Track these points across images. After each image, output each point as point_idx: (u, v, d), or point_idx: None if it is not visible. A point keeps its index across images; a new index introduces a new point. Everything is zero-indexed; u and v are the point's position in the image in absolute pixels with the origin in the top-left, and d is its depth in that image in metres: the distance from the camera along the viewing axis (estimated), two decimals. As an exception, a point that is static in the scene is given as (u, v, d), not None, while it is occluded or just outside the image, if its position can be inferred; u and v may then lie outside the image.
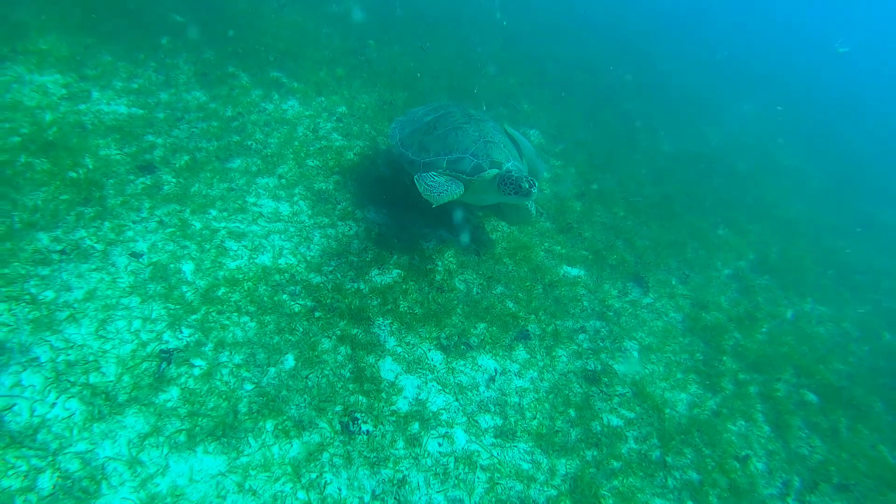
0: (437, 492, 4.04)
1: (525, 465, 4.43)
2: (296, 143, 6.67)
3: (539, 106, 10.80)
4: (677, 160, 10.30)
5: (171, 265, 4.76)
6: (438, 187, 5.33)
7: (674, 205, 8.72)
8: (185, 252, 4.94)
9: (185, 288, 4.63)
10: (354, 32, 10.21)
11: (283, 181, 6.06)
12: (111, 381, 3.83)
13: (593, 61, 14.40)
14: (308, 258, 5.35)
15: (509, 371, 5.12)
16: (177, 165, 5.71)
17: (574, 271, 6.50)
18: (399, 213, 6.23)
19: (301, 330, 4.70)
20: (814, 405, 6.13)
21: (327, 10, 10.63)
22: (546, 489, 4.31)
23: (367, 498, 3.87)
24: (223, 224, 5.34)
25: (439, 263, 5.81)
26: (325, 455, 4.00)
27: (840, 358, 6.97)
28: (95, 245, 4.70)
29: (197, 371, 4.15)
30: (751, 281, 7.71)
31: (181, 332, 4.32)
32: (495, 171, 5.56)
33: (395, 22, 11.63)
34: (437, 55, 10.90)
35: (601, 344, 5.75)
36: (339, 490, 3.85)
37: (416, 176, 5.47)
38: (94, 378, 3.81)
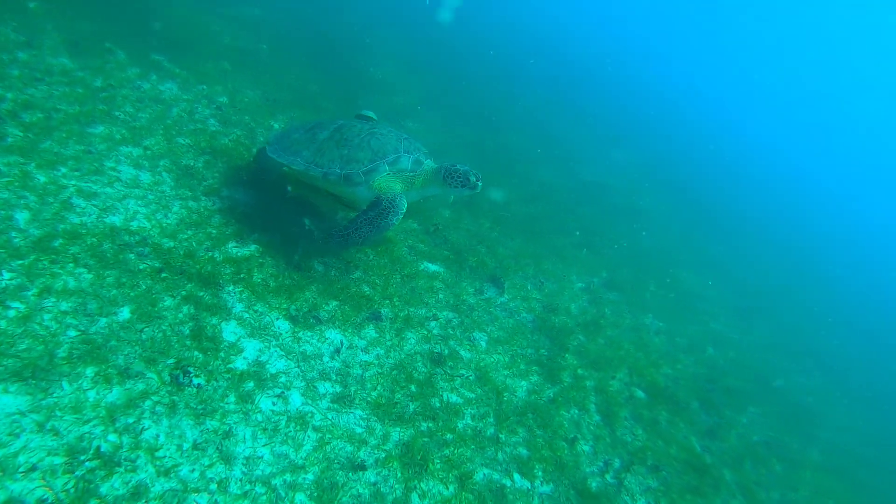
0: (264, 445, 4.01)
1: (359, 430, 4.50)
2: (168, 121, 6.58)
3: (426, 126, 11.34)
4: (550, 188, 11.13)
5: (1, 212, 4.50)
6: (374, 228, 5.47)
7: (539, 224, 9.40)
8: (22, 202, 4.69)
9: (13, 234, 4.39)
10: (249, 34, 10.29)
11: (149, 153, 5.94)
12: None
13: (488, 93, 15.40)
14: (163, 225, 5.24)
15: (356, 346, 5.22)
16: (27, 121, 5.46)
17: (434, 267, 6.80)
18: (268, 199, 6.27)
19: (144, 287, 4.57)
20: (642, 401, 6.71)
21: (223, 11, 10.67)
22: (376, 452, 4.39)
23: (186, 446, 3.77)
24: (73, 182, 5.13)
25: (300, 245, 5.88)
26: (148, 403, 3.87)
27: (669, 364, 7.71)
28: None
29: (12, 313, 3.91)
30: (600, 294, 8.41)
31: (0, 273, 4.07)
32: (434, 163, 5.81)
33: (293, 34, 11.80)
34: (332, 71, 11.20)
35: (451, 332, 6.02)
36: (157, 437, 3.73)
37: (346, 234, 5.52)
38: None
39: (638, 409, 6.54)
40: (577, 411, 6.01)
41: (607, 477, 5.47)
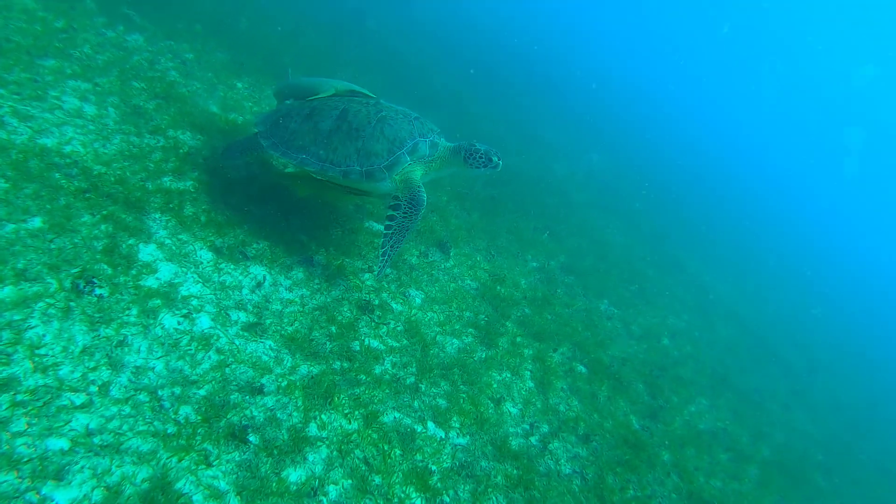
0: (158, 358, 3.88)
1: (265, 358, 4.36)
2: (126, 66, 6.57)
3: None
4: (519, 177, 11.01)
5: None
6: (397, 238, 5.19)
7: (501, 206, 9.26)
8: (-50, 112, 4.64)
9: (-67, 136, 4.33)
10: (232, 7, 10.30)
11: (98, 89, 5.90)
12: None
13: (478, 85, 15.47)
14: (99, 153, 5.17)
15: (280, 284, 5.09)
16: (-27, 44, 5.45)
17: (379, 226, 6.67)
18: (217, 144, 6.20)
19: (63, 202, 4.48)
20: (582, 375, 6.51)
21: None
22: (280, 381, 4.24)
23: (73, 349, 3.64)
24: (10, 103, 5.09)
25: (240, 189, 5.79)
26: (41, 304, 3.75)
27: (618, 347, 7.51)
28: None
29: (-87, 203, 3.82)
30: (555, 275, 8.25)
31: None
32: (449, 143, 5.60)
33: (280, 15, 11.76)
34: (311, 45, 11.19)
35: (385, 285, 5.88)
36: (43, 336, 3.60)
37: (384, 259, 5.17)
38: None
39: (577, 382, 6.34)
40: (509, 375, 5.82)
41: (532, 439, 5.27)
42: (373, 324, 5.31)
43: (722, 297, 12.57)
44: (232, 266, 4.95)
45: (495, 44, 22.16)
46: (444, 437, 4.70)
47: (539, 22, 35.82)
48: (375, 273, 5.46)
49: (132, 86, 6.27)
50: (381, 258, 5.18)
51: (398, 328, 5.46)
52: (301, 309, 4.99)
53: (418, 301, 5.97)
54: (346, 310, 5.29)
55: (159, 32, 7.69)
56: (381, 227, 6.64)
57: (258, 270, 5.06)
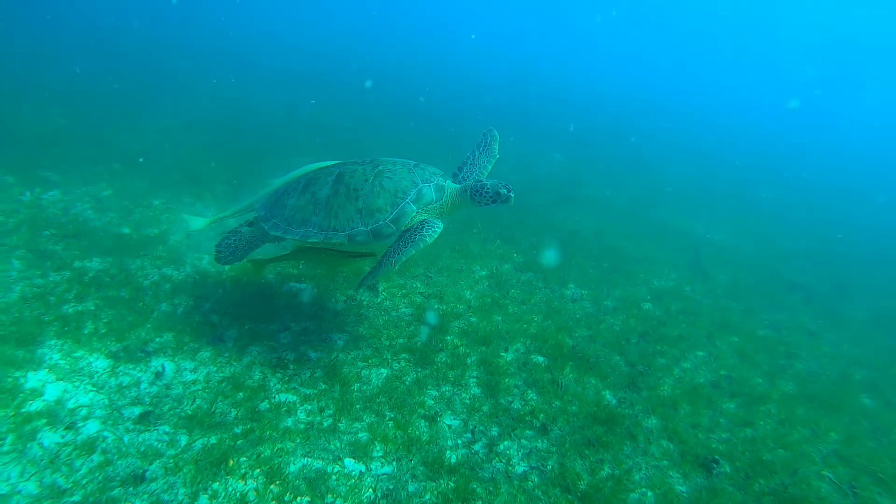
0: (30, 478, 3.72)
1: (157, 444, 4.13)
2: (40, 219, 6.87)
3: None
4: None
5: None
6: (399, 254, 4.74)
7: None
8: None
9: None
10: (155, 140, 10.76)
11: (3, 248, 6.13)
12: None
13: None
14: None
15: (184, 369, 4.94)
16: None
17: (301, 286, 6.50)
18: (127, 262, 6.29)
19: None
20: (540, 365, 5.93)
21: (137, 124, 11.35)
22: (169, 462, 3.99)
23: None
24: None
25: (150, 291, 5.79)
26: None
27: (586, 326, 6.87)
28: None
29: None
30: (507, 277, 7.77)
31: None
32: (455, 183, 5.34)
33: (201, 137, 12.18)
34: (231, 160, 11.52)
35: (303, 338, 5.63)
36: None
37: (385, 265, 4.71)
38: None
39: (535, 374, 5.76)
40: (449, 388, 5.35)
41: (476, 447, 4.72)
42: (286, 378, 5.03)
43: (718, 246, 11.57)
44: (131, 366, 4.84)
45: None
46: (364, 470, 4.26)
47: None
48: (356, 287, 5.13)
49: (42, 234, 6.51)
50: (373, 269, 4.75)
51: (316, 374, 5.16)
52: (206, 385, 4.79)
53: (340, 343, 5.66)
54: (256, 373, 5.05)
55: (77, 180, 8.10)
56: (303, 286, 6.51)
57: (159, 362, 4.93)
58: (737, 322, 7.93)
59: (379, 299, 6.54)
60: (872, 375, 7.43)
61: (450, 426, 4.90)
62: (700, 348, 6.99)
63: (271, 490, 3.92)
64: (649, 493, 4.52)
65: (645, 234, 11.22)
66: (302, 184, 5.23)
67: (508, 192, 5.03)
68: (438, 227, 4.92)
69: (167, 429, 4.29)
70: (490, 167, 5.78)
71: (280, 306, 6.04)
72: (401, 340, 5.88)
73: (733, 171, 20.89)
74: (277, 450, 4.25)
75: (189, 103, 14.27)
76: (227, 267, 6.61)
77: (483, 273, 7.80)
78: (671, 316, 7.70)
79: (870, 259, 13.61)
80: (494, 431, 4.93)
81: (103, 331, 5.16)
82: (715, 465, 4.97)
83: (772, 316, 8.63)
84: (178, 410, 4.47)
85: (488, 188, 5.06)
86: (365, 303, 6.46)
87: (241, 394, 4.75)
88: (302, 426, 4.56)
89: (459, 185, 5.34)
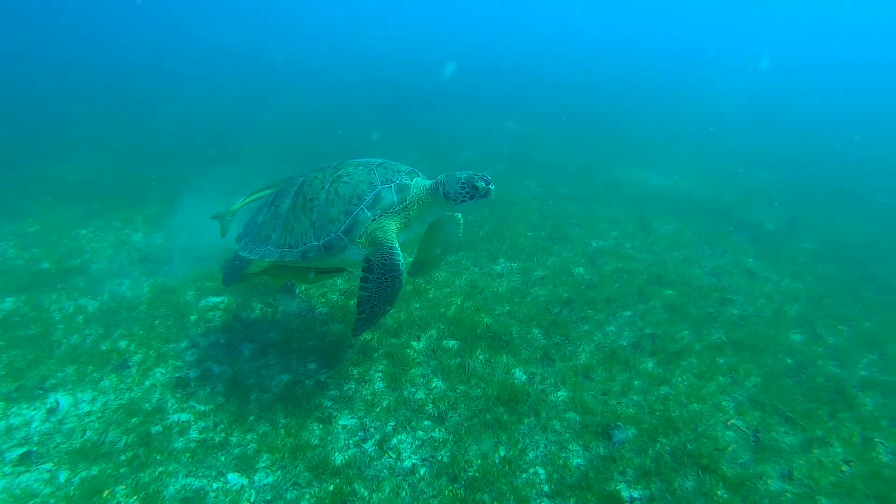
0: None
1: (35, 485, 4.07)
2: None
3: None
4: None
5: None
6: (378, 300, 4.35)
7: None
8: None
9: None
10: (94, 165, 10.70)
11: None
12: None
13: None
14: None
15: (82, 401, 4.87)
16: None
17: (218, 299, 6.38)
18: (41, 297, 6.24)
19: None
20: (451, 350, 5.73)
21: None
22: (45, 500, 3.93)
23: None
24: None
25: (64, 324, 5.73)
26: None
27: (509, 302, 6.62)
28: None
29: None
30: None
31: None
32: (426, 180, 4.61)
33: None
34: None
35: (211, 353, 5.53)
36: None
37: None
38: None
39: (444, 360, 5.57)
40: (352, 385, 5.20)
41: (367, 445, 4.58)
42: (184, 397, 4.94)
43: (670, 194, 11.07)
44: (25, 405, 4.79)
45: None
46: (246, 483, 4.16)
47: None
48: (352, 334, 4.67)
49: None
50: (357, 319, 4.43)
51: (216, 389, 5.05)
52: (101, 415, 4.72)
53: (247, 354, 5.54)
54: (155, 395, 4.96)
55: (2, 220, 8.06)
56: (220, 299, 6.39)
57: (55, 398, 4.87)
58: (672, 274, 7.57)
59: (293, 303, 6.39)
60: (806, 309, 7.05)
61: (345, 426, 4.76)
62: (629, 308, 6.70)
63: (144, 516, 3.84)
64: (541, 472, 4.34)
65: (594, 194, 10.79)
66: (272, 198, 4.78)
67: (487, 184, 4.26)
68: (399, 269, 4.29)
69: (48, 466, 4.23)
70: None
71: (192, 323, 5.93)
72: (311, 342, 5.74)
73: (703, 120, 19.97)
74: (159, 473, 4.17)
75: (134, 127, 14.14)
76: (146, 289, 6.54)
77: (409, 259, 7.56)
78: (604, 277, 7.39)
79: (825, 192, 12.93)
80: (390, 426, 4.78)
81: (2, 373, 5.11)
82: (617, 432, 4.75)
83: (713, 262, 8.22)
84: (66, 445, 4.41)
85: (461, 182, 4.26)
86: (281, 308, 6.31)
87: (135, 419, 4.68)
88: (193, 444, 4.48)
89: (430, 182, 4.53)
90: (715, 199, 11.21)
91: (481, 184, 4.24)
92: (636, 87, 24.87)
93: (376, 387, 5.22)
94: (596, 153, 13.70)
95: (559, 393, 5.22)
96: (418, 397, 5.10)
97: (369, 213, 4.25)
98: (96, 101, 15.70)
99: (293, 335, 5.83)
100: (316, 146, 13.27)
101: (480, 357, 5.64)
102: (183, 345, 5.63)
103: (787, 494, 4.30)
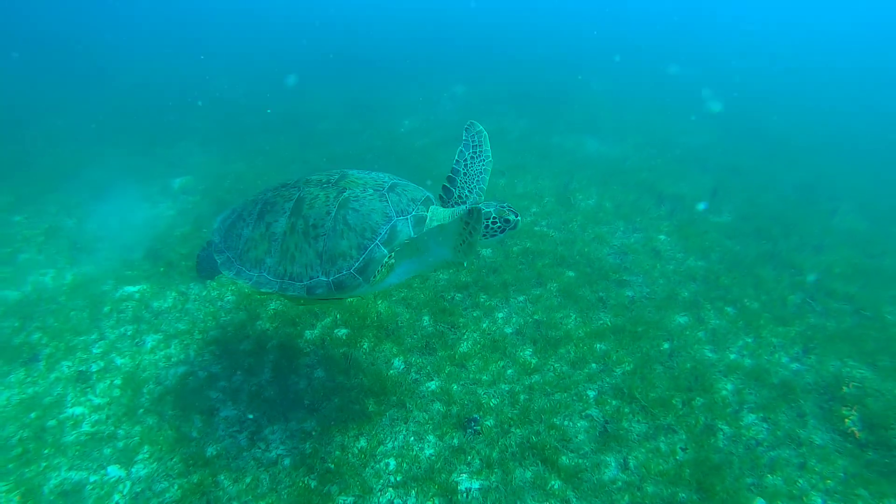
0: None
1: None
2: None
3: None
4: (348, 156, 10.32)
5: None
6: None
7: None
8: None
9: None
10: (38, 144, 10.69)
11: None
12: None
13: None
14: None
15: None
16: None
17: (133, 288, 6.56)
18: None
19: None
20: (339, 339, 5.94)
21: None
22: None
23: None
24: None
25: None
26: None
27: (408, 285, 6.74)
28: None
29: None
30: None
31: None
32: (444, 209, 4.14)
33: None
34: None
35: (118, 346, 5.77)
36: None
37: None
38: None
39: (330, 350, 5.79)
40: (241, 376, 5.46)
41: (240, 436, 4.88)
42: (84, 390, 5.23)
43: (599, 162, 10.83)
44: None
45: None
46: (123, 475, 4.50)
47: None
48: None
49: None
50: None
51: (115, 382, 5.33)
52: (2, 411, 5.02)
53: (149, 345, 5.78)
54: (58, 389, 5.25)
55: None
56: (136, 287, 6.56)
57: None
58: (576, 255, 7.61)
59: (206, 291, 6.56)
60: (700, 290, 7.12)
61: (226, 418, 5.05)
62: (524, 293, 6.81)
63: (23, 510, 4.19)
64: (392, 462, 4.62)
65: (524, 164, 10.60)
66: (258, 208, 4.16)
67: (516, 216, 3.88)
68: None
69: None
70: (488, 176, 4.49)
71: (104, 314, 6.15)
72: (213, 333, 5.96)
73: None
74: (44, 468, 4.50)
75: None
76: (68, 279, 6.72)
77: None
78: (510, 259, 7.45)
79: (759, 158, 12.56)
80: (266, 418, 5.06)
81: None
82: (473, 423, 5.00)
83: (623, 240, 8.21)
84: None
85: (493, 216, 3.80)
86: (192, 296, 6.50)
87: (33, 413, 4.98)
88: (84, 438, 4.79)
89: (449, 211, 4.03)
90: (647, 167, 10.99)
91: (512, 216, 3.84)
92: (603, 51, 23.63)
93: (264, 377, 5.48)
94: (541, 118, 13.28)
95: (430, 383, 5.45)
96: (300, 388, 5.35)
97: (385, 250, 3.76)
98: (42, 72, 15.29)
99: (198, 325, 6.04)
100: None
101: (365, 346, 5.84)
102: (93, 337, 5.88)
103: (618, 483, 4.56)
